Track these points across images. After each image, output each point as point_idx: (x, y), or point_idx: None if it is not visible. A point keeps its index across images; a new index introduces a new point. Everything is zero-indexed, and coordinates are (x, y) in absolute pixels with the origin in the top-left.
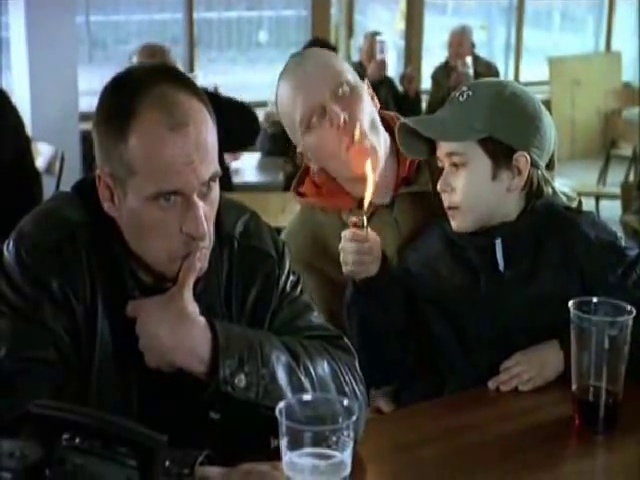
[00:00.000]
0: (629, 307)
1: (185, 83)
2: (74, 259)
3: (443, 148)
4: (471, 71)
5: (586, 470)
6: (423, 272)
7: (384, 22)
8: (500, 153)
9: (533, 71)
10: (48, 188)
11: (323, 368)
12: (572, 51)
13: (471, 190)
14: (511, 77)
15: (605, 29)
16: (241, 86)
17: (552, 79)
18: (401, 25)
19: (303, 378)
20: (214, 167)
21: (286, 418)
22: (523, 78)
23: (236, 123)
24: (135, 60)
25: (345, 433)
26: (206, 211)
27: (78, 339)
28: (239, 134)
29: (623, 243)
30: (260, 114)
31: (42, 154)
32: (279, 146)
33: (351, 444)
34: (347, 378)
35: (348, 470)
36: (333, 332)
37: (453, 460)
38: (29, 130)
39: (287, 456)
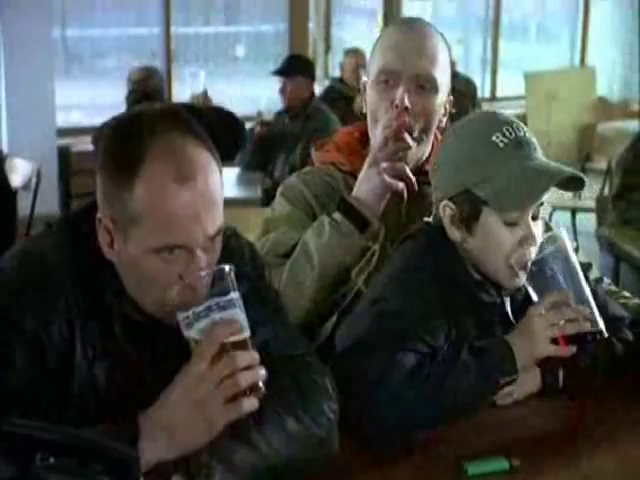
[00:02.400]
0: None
1: (193, 131)
2: (51, 303)
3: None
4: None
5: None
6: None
7: (362, 35)
8: None
9: (509, 85)
10: (25, 204)
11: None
12: (548, 64)
13: None
14: (488, 92)
15: (580, 43)
16: (219, 101)
17: (528, 93)
18: None
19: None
20: (220, 221)
21: None
22: (500, 92)
23: (224, 135)
24: (134, 78)
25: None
26: (209, 262)
27: (49, 380)
28: (225, 146)
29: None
30: None
31: (18, 170)
32: (259, 160)
33: (237, 291)
34: (312, 410)
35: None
36: (302, 350)
37: (430, 475)
38: (4, 146)
39: (189, 315)
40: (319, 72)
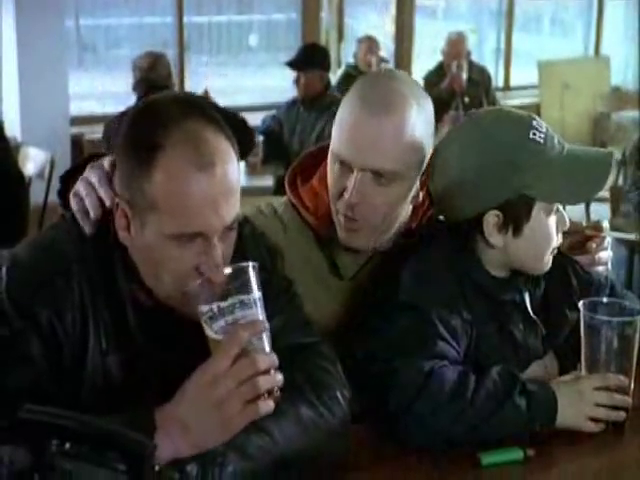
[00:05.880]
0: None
1: (213, 119)
2: (66, 295)
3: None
4: (465, 75)
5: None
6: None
7: (374, 25)
8: None
9: (523, 75)
10: (39, 193)
11: (299, 417)
12: (561, 55)
13: None
14: (501, 81)
15: (594, 33)
16: (232, 90)
17: (542, 83)
18: (391, 28)
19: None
20: (237, 210)
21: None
22: (513, 82)
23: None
24: (140, 66)
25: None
26: (224, 252)
27: (64, 371)
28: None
29: None
30: (251, 118)
31: (32, 159)
32: (274, 151)
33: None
34: (326, 399)
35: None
36: (313, 338)
37: (445, 465)
38: (18, 134)
39: (213, 308)
40: (332, 61)
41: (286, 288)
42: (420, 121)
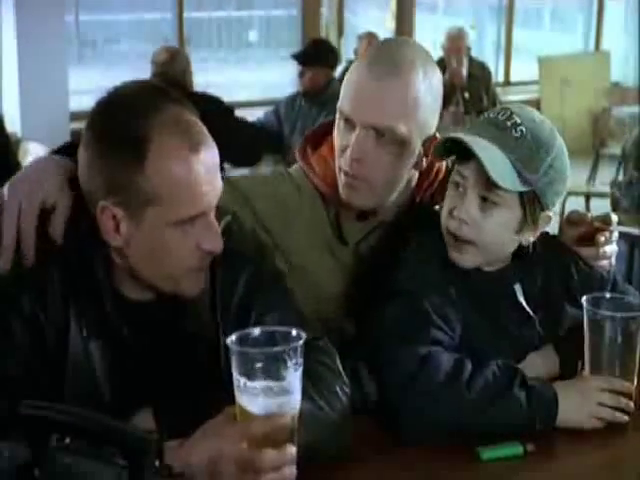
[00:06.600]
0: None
1: (182, 101)
2: (46, 280)
3: (483, 178)
4: (465, 71)
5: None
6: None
7: (375, 21)
8: (532, 208)
9: (523, 71)
10: None
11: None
12: (562, 51)
13: (495, 233)
14: (501, 77)
15: (594, 29)
16: (232, 86)
17: (542, 78)
18: (392, 24)
19: None
20: (221, 182)
21: (239, 345)
22: (513, 78)
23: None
24: (157, 60)
25: (292, 357)
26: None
27: (48, 358)
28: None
29: None
30: (251, 114)
31: (33, 154)
32: (273, 144)
33: (300, 370)
34: (325, 393)
35: (298, 395)
36: (311, 333)
37: (444, 459)
38: (19, 130)
39: (240, 382)
40: (422, 89)
41: (277, 282)
42: (424, 88)
